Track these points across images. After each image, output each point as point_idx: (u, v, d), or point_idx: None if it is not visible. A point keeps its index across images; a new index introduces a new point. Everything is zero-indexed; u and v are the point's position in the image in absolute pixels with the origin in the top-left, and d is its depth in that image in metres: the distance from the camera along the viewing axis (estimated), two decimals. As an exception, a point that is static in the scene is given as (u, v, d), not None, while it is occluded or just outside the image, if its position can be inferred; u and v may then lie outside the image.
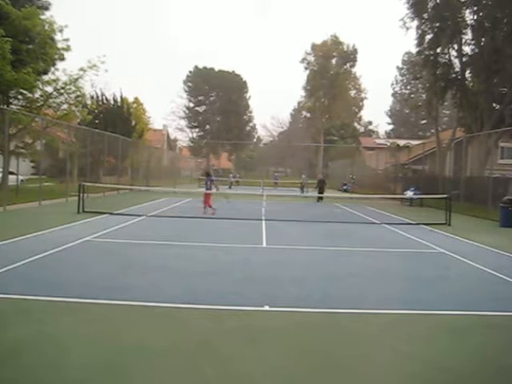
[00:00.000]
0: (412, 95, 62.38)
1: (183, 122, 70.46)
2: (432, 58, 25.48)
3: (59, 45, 19.80)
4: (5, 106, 16.77)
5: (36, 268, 6.62)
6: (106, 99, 31.56)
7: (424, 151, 26.99)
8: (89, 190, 17.38)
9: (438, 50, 25.41)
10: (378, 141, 54.51)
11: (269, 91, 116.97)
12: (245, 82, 69.43)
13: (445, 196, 15.50)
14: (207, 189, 15.50)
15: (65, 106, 21.11)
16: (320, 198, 24.27)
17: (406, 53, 59.02)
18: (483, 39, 23.17)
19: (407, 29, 26.15)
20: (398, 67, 71.47)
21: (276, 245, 9.68)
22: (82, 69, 20.43)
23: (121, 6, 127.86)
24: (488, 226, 14.43)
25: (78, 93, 20.86)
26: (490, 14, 22.21)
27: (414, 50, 27.73)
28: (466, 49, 25.03)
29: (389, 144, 43.44)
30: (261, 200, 20.94)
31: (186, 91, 69.43)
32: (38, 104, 19.84)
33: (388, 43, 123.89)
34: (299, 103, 72.52)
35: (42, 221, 11.71)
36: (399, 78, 72.86)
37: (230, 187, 36.94)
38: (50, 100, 20.26)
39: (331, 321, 4.89)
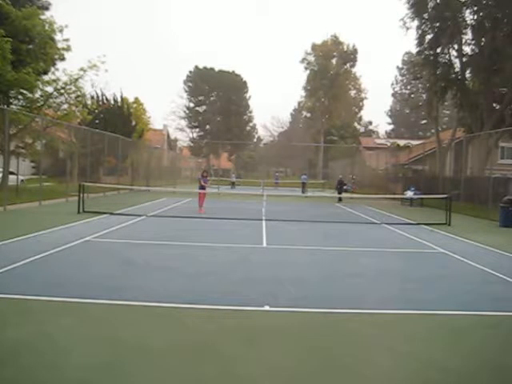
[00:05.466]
0: (412, 95, 62.44)
1: (183, 122, 70.56)
2: (432, 58, 25.45)
3: (59, 45, 19.81)
4: (5, 106, 16.77)
5: (36, 268, 6.62)
6: (106, 99, 31.54)
7: (424, 151, 27.00)
8: (89, 189, 17.39)
9: (438, 50, 25.38)
10: (378, 141, 54.48)
11: (269, 91, 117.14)
12: (245, 82, 69.44)
13: (445, 196, 15.50)
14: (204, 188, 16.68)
15: (65, 106, 21.12)
16: (339, 199, 24.27)
17: (406, 53, 59.00)
18: (483, 39, 23.15)
19: (407, 29, 26.14)
20: (398, 67, 71.57)
21: (276, 245, 9.67)
22: (82, 69, 20.43)
23: (121, 6, 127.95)
24: (488, 226, 14.43)
25: (79, 93, 20.86)
26: (490, 14, 22.19)
27: (414, 50, 27.72)
28: (466, 49, 25.05)
29: (389, 144, 43.45)
30: (261, 200, 20.96)
31: (186, 91, 69.46)
32: (39, 104, 19.82)
33: (388, 43, 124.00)
34: (299, 103, 72.58)
35: (42, 221, 11.71)
36: (399, 77, 72.92)
37: (232, 187, 37.17)
38: (51, 100, 20.25)
39: (331, 321, 4.88)
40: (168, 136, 57.73)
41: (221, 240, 9.87)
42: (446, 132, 34.51)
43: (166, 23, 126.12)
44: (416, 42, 25.96)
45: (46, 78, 19.95)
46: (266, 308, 5.11)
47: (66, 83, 20.13)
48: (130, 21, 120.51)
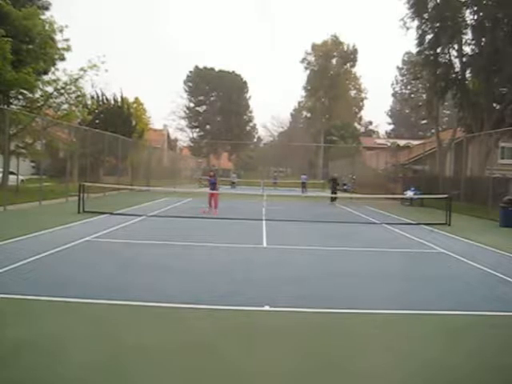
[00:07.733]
0: (412, 95, 62.52)
1: (183, 122, 70.54)
2: (432, 57, 25.46)
3: (59, 45, 19.82)
4: (5, 106, 16.76)
5: (36, 268, 6.62)
6: (107, 99, 31.54)
7: (424, 151, 26.98)
8: (89, 189, 17.38)
9: (438, 50, 25.39)
10: (378, 141, 54.50)
11: (269, 91, 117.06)
12: (245, 82, 69.44)
13: (445, 196, 15.50)
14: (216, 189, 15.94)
15: (65, 106, 21.09)
16: (334, 199, 23.47)
17: (406, 53, 58.94)
18: (483, 39, 23.16)
19: (407, 29, 26.17)
20: (398, 67, 71.42)
21: (276, 245, 9.68)
22: (82, 69, 20.41)
23: (121, 5, 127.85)
24: (488, 226, 14.42)
25: (79, 93, 20.85)
26: (490, 14, 22.19)
27: (414, 50, 27.76)
28: (467, 49, 25.07)
29: (389, 144, 43.45)
30: (261, 200, 20.97)
31: (186, 91, 69.45)
32: (39, 104, 19.83)
33: (388, 43, 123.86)
34: (299, 103, 72.62)
35: (42, 221, 11.70)
36: (399, 77, 72.79)
37: (232, 187, 37.53)
38: (51, 100, 20.25)
39: (331, 321, 4.89)
40: (168, 136, 57.73)
41: (221, 240, 9.87)
42: (446, 132, 34.50)
43: (166, 23, 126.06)
44: (416, 42, 26.01)
45: (46, 78, 19.95)
46: (266, 308, 5.11)
47: (66, 83, 20.11)
48: (130, 21, 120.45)
